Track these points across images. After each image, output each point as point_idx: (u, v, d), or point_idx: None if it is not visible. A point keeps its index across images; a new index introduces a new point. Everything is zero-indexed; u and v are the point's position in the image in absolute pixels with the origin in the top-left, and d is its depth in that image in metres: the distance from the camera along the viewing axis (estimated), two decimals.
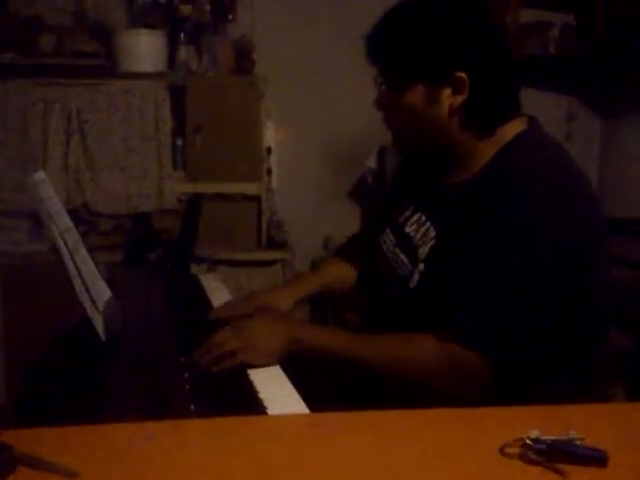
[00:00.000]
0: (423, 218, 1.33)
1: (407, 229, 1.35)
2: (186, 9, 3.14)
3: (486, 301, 1.12)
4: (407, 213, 1.38)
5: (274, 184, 3.36)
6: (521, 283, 1.12)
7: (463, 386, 1.12)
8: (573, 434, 0.80)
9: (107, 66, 3.10)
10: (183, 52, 3.16)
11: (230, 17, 3.24)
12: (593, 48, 3.09)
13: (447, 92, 1.22)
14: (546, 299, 1.13)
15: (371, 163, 3.34)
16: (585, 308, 1.20)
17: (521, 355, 1.13)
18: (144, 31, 3.10)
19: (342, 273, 1.62)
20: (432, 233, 1.28)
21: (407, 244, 1.33)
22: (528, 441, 0.79)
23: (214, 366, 1.18)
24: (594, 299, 1.22)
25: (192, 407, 1.01)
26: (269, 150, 3.28)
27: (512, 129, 1.25)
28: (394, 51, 1.25)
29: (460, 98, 1.22)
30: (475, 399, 1.03)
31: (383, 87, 1.28)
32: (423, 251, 1.27)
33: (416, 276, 1.26)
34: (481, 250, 1.14)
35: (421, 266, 1.26)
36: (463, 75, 1.20)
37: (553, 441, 0.79)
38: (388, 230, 1.42)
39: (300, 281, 1.59)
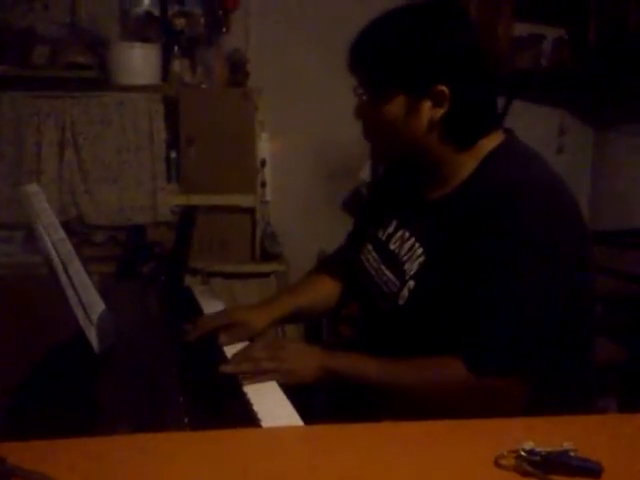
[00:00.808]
0: (407, 234, 1.32)
1: (391, 246, 1.34)
2: (180, 22, 3.16)
3: (511, 326, 1.13)
4: (390, 229, 1.37)
5: (268, 196, 3.36)
6: (539, 300, 1.13)
7: (499, 410, 1.07)
8: (567, 445, 0.80)
9: (101, 78, 3.11)
10: (177, 65, 3.17)
11: (224, 30, 3.26)
12: (585, 61, 3.11)
13: (427, 104, 1.21)
14: (556, 309, 1.15)
15: (365, 175, 3.35)
16: (575, 316, 1.21)
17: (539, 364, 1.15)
18: (138, 44, 3.11)
19: (323, 293, 1.57)
20: (419, 250, 1.27)
21: (392, 261, 1.32)
22: (522, 452, 0.79)
23: (245, 379, 1.18)
24: (583, 306, 1.23)
25: (186, 420, 1.00)
26: (263, 162, 3.29)
27: (490, 142, 1.26)
28: (376, 60, 1.24)
29: (440, 111, 1.21)
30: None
31: (364, 97, 1.27)
32: (410, 267, 1.26)
33: (405, 293, 1.25)
34: (492, 275, 1.14)
35: (411, 283, 1.25)
36: (444, 88, 1.20)
37: (547, 452, 0.79)
38: (370, 247, 1.41)
39: (277, 301, 1.54)
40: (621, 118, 3.33)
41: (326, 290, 1.58)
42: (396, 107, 1.23)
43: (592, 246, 1.24)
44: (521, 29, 3.31)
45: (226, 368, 1.21)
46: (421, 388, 1.18)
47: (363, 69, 1.27)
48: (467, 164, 1.25)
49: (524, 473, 0.78)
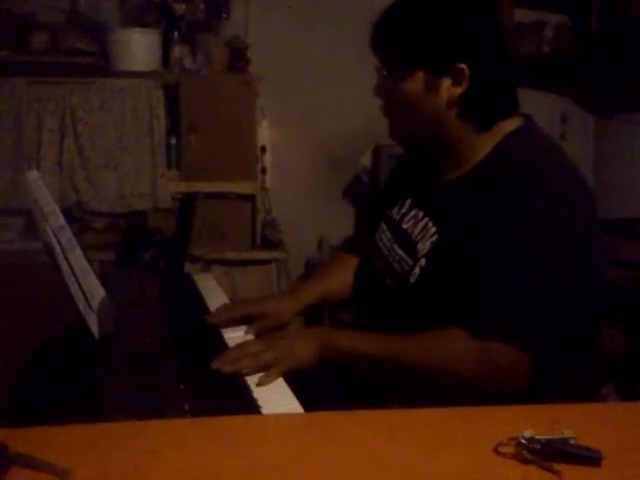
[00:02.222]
0: (420, 214, 1.32)
1: (404, 225, 1.35)
2: (180, 8, 3.14)
3: (514, 294, 1.13)
4: (403, 210, 1.38)
5: (268, 183, 3.36)
6: (543, 277, 1.13)
7: (501, 381, 1.11)
8: (567, 433, 0.80)
9: (101, 65, 3.10)
10: (177, 51, 3.16)
11: (224, 16, 3.24)
12: (587, 48, 3.10)
13: (447, 82, 1.23)
14: (562, 288, 1.15)
15: (366, 162, 3.34)
16: (582, 302, 1.21)
17: (548, 343, 1.15)
18: (138, 30, 3.10)
19: (349, 277, 1.55)
20: (432, 229, 1.27)
21: (405, 240, 1.32)
22: (522, 440, 0.79)
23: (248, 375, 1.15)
24: (590, 293, 1.23)
25: (186, 406, 1.00)
26: (263, 149, 3.28)
27: (509, 125, 1.26)
28: (398, 35, 1.26)
29: (459, 90, 1.22)
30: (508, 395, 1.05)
31: (384, 72, 1.28)
32: (423, 246, 1.27)
33: (417, 271, 1.26)
34: (498, 246, 1.15)
35: (423, 261, 1.26)
36: (464, 67, 1.21)
37: (547, 440, 0.79)
38: (384, 227, 1.42)
39: (304, 289, 1.54)
40: (623, 105, 3.32)
41: (352, 273, 1.56)
42: (416, 83, 1.24)
43: (599, 233, 1.25)
44: (523, 15, 3.30)
45: (224, 367, 1.15)
46: (424, 358, 1.16)
47: (385, 45, 1.28)
48: (484, 145, 1.26)
49: (524, 461, 0.78)
